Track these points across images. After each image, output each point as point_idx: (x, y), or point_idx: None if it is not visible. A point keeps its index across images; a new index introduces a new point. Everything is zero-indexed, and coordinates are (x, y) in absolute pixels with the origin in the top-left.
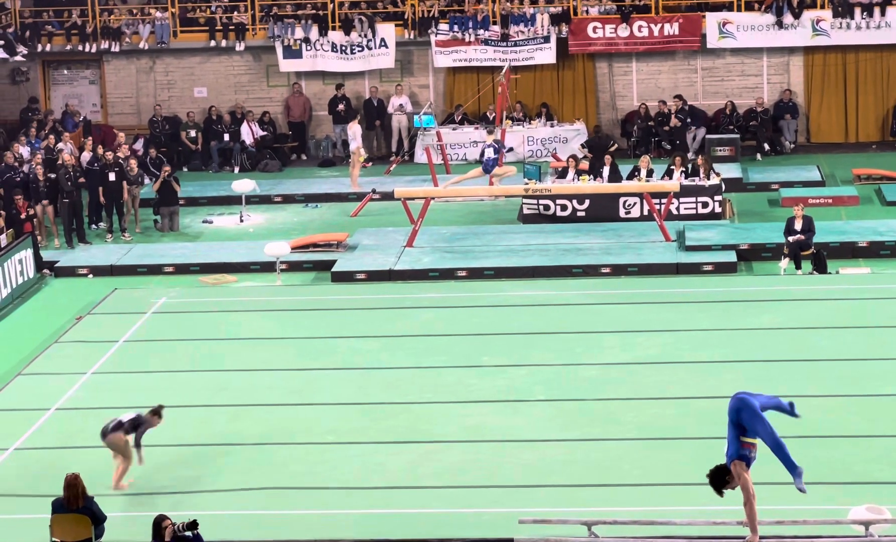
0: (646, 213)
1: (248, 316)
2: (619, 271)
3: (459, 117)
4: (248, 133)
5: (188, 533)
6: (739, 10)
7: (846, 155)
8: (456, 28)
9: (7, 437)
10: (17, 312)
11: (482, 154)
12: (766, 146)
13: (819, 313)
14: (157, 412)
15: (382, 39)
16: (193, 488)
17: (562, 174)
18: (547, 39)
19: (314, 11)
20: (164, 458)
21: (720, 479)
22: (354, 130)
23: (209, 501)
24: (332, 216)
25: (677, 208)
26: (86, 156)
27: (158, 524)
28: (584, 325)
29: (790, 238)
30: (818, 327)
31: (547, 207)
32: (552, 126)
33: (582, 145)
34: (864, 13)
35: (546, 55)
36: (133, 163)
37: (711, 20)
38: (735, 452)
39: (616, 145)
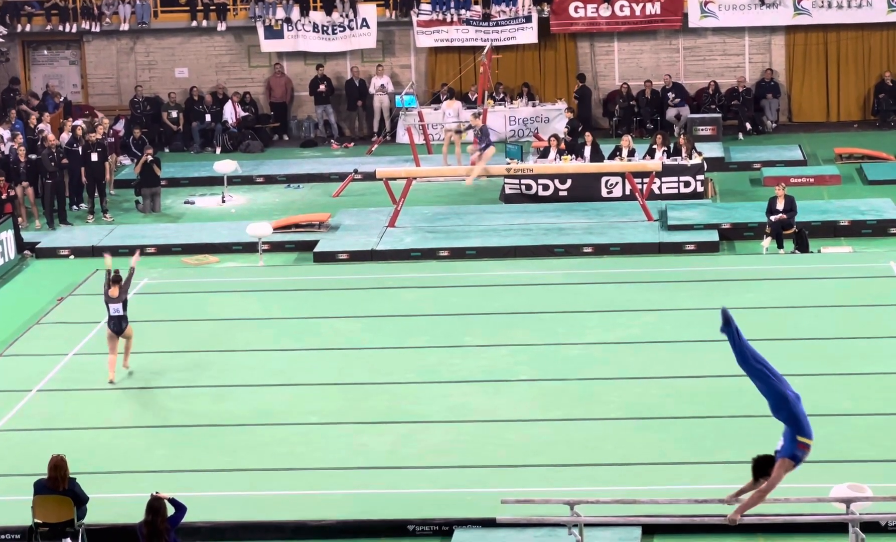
0: (628, 192)
1: (230, 297)
2: (601, 250)
3: (445, 96)
4: (232, 113)
5: None
6: None
7: (828, 134)
8: (437, 8)
9: None
10: None
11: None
12: (748, 126)
13: (801, 292)
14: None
15: (364, 19)
16: (175, 468)
17: (544, 154)
18: (528, 19)
19: None
20: (147, 439)
21: (763, 469)
22: (456, 107)
23: (191, 481)
24: (314, 197)
25: (659, 188)
26: (65, 137)
27: (157, 510)
28: (567, 305)
29: (772, 217)
30: (800, 306)
31: (529, 187)
32: (534, 106)
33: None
34: None
35: (528, 35)
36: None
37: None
38: (788, 451)
39: (581, 127)
